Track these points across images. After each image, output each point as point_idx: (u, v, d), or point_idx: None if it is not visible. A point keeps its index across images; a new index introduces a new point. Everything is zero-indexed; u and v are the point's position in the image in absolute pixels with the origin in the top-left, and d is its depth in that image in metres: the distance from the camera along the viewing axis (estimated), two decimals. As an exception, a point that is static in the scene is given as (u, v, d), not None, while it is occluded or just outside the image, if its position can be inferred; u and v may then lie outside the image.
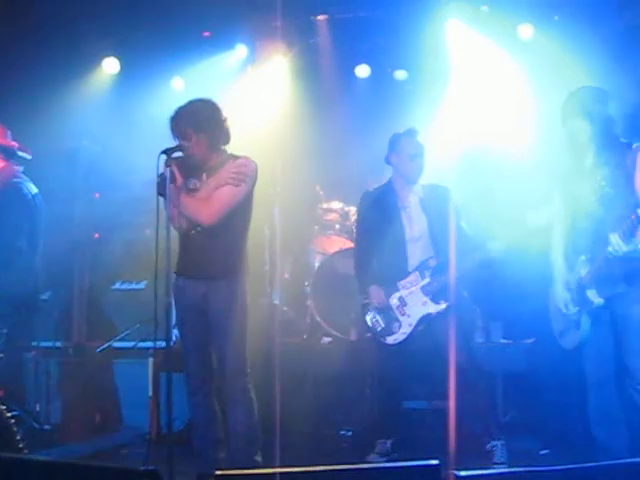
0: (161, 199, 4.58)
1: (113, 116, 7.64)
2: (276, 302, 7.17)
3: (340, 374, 6.33)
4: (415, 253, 5.42)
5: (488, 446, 5.29)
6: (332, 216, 7.40)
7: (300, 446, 5.63)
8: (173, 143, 4.70)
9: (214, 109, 4.78)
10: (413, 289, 5.37)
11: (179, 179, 4.63)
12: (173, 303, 4.74)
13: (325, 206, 7.46)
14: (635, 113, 5.97)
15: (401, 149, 5.46)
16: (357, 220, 5.83)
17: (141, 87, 7.72)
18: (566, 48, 7.22)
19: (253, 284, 4.99)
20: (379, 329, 5.41)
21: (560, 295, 4.55)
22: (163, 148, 4.54)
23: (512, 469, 3.00)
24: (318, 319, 6.87)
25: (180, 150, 4.65)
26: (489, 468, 5.12)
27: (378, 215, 5.48)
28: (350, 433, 6.21)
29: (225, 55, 7.85)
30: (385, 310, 5.39)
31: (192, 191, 4.73)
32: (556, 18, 7.45)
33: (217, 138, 4.76)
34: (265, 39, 7.72)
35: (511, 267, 6.12)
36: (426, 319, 5.36)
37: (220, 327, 4.73)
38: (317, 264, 7.14)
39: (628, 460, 3.05)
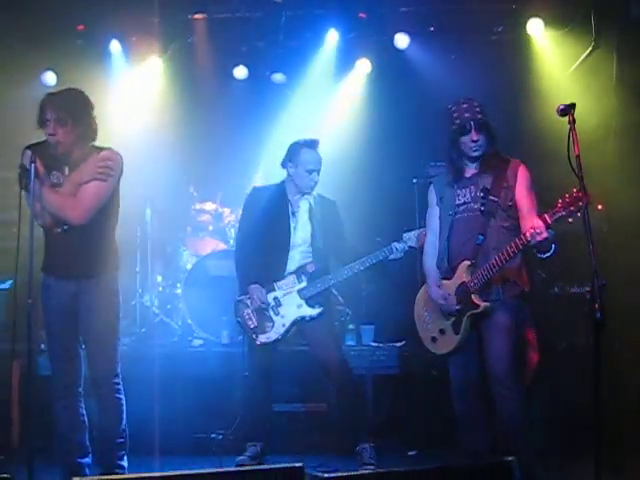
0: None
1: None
2: (147, 304, 7.06)
3: (211, 376, 6.26)
4: (295, 258, 5.45)
5: (358, 448, 5.34)
6: (205, 217, 7.32)
7: (170, 449, 5.54)
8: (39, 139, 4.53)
9: (87, 101, 4.64)
10: (289, 291, 5.39)
11: (41, 171, 4.42)
12: (41, 303, 4.62)
13: (198, 207, 7.37)
14: (506, 123, 6.17)
15: (299, 162, 5.42)
16: (242, 216, 5.70)
17: (9, 79, 7.43)
18: (441, 59, 7.44)
19: (123, 285, 4.87)
20: (252, 326, 5.39)
21: (438, 295, 4.60)
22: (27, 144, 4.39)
23: (375, 470, 3.02)
24: (189, 321, 6.79)
25: (47, 147, 4.49)
26: (357, 470, 5.18)
27: (266, 216, 5.45)
28: (221, 437, 6.15)
29: (99, 50, 7.64)
30: (260, 309, 5.38)
31: (55, 185, 4.53)
32: (432, 29, 7.61)
33: (86, 131, 4.58)
34: (140, 35, 7.56)
35: (383, 271, 6.23)
36: (300, 322, 5.38)
37: (91, 328, 4.60)
38: (189, 266, 7.05)
39: (485, 461, 3.13)
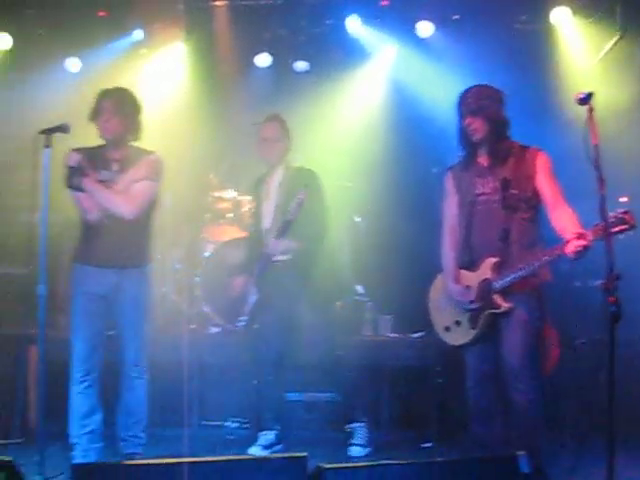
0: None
1: (2, 94, 7.38)
2: (165, 291, 7.07)
3: (228, 365, 6.27)
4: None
5: (347, 427, 5.41)
6: (224, 205, 7.31)
7: (183, 437, 5.54)
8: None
9: (138, 102, 4.97)
10: None
11: (88, 169, 4.72)
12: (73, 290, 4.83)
13: (217, 194, 7.36)
14: (528, 115, 6.08)
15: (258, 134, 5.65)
16: None
17: (34, 65, 7.49)
18: (464, 47, 7.36)
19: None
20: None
21: (455, 291, 4.56)
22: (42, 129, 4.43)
23: (376, 462, 3.00)
24: (206, 309, 6.79)
25: (62, 130, 4.51)
26: (347, 449, 5.34)
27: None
28: (236, 425, 6.18)
29: (121, 36, 7.64)
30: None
31: (105, 182, 4.79)
32: (456, 17, 7.53)
33: (133, 128, 4.90)
34: (163, 22, 7.54)
35: (403, 259, 6.20)
36: None
37: (128, 315, 4.84)
38: (207, 253, 7.05)
39: (493, 454, 3.10)
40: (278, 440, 5.45)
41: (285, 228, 5.28)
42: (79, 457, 4.75)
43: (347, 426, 5.42)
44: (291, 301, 5.41)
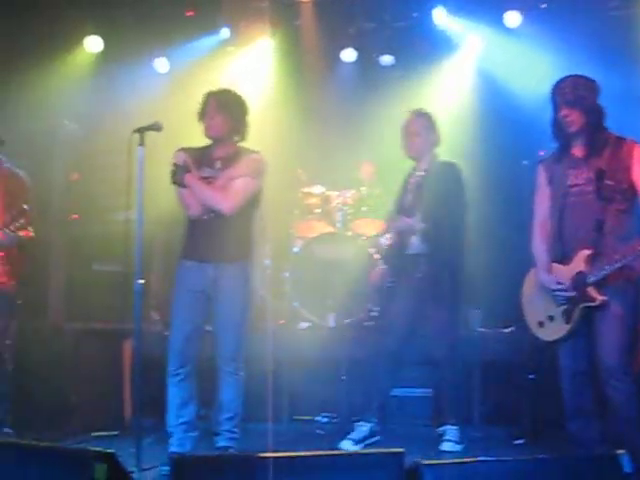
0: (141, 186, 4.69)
1: (95, 96, 7.57)
2: (255, 286, 7.13)
3: (317, 360, 6.30)
4: None
5: (439, 430, 5.39)
6: (313, 200, 7.35)
7: (274, 431, 5.60)
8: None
9: (244, 103, 5.06)
10: None
11: (192, 167, 4.87)
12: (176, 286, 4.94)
13: (306, 190, 7.40)
14: (620, 105, 5.93)
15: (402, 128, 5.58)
16: None
17: (124, 66, 7.65)
18: (554, 36, 7.21)
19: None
20: None
21: (549, 281, 4.48)
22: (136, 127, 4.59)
23: (476, 459, 2.96)
24: (296, 304, 6.83)
25: (155, 129, 4.72)
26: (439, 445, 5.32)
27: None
28: (325, 419, 6.20)
29: (208, 35, 7.76)
30: None
31: (207, 179, 4.92)
32: (544, 6, 7.38)
33: (238, 128, 4.99)
34: (249, 20, 7.63)
35: (491, 253, 6.12)
36: None
37: (224, 310, 4.90)
38: (296, 249, 7.09)
39: (594, 452, 3.03)
40: (372, 433, 5.42)
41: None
42: (175, 446, 4.84)
43: (439, 429, 5.38)
44: (420, 295, 5.39)
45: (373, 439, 5.41)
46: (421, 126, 5.55)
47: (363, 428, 5.42)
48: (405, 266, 5.50)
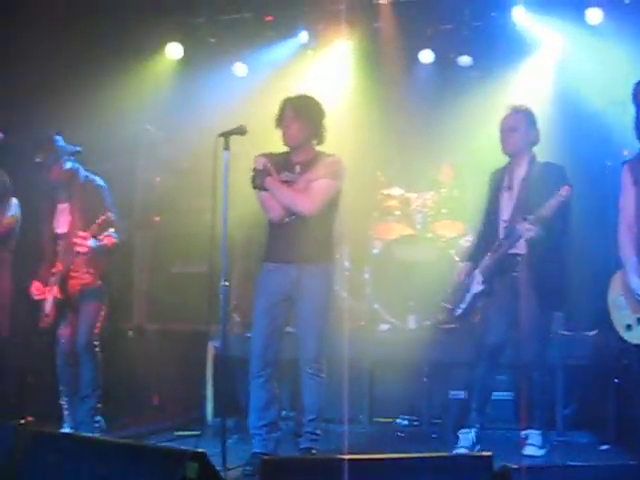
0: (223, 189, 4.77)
1: (175, 101, 7.71)
2: (336, 288, 7.15)
3: (397, 362, 6.28)
4: None
5: (522, 433, 5.25)
6: (392, 202, 7.34)
7: (355, 433, 5.62)
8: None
9: (320, 108, 5.10)
10: None
11: (273, 171, 4.94)
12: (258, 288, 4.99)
13: (385, 192, 7.40)
14: None
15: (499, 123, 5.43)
16: None
17: (203, 72, 7.78)
18: (636, 33, 7.05)
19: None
20: None
21: (636, 290, 4.39)
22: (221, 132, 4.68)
23: (565, 464, 2.93)
24: (376, 306, 6.83)
25: (239, 133, 4.82)
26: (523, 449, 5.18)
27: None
28: (405, 422, 6.19)
29: (287, 39, 7.82)
30: None
31: (287, 182, 4.98)
32: (627, 2, 7.23)
33: (316, 133, 5.03)
34: (327, 23, 7.66)
35: (574, 255, 5.99)
36: None
37: (306, 311, 4.93)
38: (376, 251, 7.09)
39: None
40: (478, 439, 5.22)
41: (536, 222, 5.01)
42: (258, 447, 4.87)
43: (522, 433, 5.22)
44: (519, 296, 5.18)
45: (479, 445, 5.20)
46: (520, 122, 5.32)
47: (469, 435, 5.23)
48: (502, 264, 5.28)
